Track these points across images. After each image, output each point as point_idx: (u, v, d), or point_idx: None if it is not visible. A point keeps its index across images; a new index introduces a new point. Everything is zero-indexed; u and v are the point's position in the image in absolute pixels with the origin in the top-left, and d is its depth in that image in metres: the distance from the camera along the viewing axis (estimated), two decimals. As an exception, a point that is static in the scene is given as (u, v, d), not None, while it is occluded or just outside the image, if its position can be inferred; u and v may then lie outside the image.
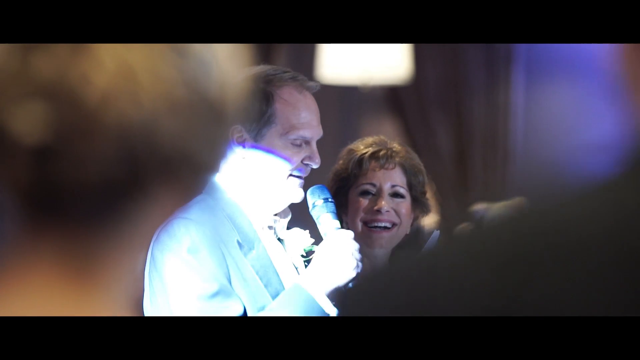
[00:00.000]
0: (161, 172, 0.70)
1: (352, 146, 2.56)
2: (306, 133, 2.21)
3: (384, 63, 4.69)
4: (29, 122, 0.67)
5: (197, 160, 0.72)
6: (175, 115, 0.69)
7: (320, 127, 2.25)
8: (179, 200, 0.73)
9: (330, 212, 2.27)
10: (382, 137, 2.58)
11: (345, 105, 5.15)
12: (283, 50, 4.91)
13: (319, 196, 2.28)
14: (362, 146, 2.54)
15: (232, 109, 0.73)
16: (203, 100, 0.71)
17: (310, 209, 2.29)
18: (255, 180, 2.19)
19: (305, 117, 2.21)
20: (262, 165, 2.19)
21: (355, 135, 3.49)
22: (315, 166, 2.23)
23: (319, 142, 2.26)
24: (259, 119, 2.17)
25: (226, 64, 0.73)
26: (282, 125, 2.19)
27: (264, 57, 3.65)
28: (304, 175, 2.23)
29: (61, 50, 0.67)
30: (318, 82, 2.31)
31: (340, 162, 2.54)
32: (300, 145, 2.20)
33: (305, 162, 2.21)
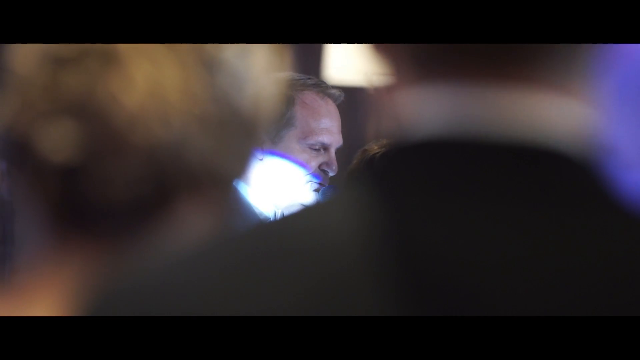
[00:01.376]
0: (190, 190, 0.69)
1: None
2: (325, 139, 2.19)
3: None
4: (59, 137, 0.66)
5: (226, 177, 0.71)
6: (205, 132, 0.68)
7: (340, 135, 2.23)
8: (208, 217, 0.71)
9: None
10: None
11: (351, 106, 5.15)
12: (290, 51, 4.89)
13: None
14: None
15: (264, 123, 0.72)
16: (235, 116, 0.69)
17: None
18: (271, 182, 2.17)
19: (326, 123, 2.19)
20: (279, 168, 2.17)
21: (364, 137, 3.49)
22: (332, 173, 2.20)
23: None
24: (278, 122, 2.15)
25: (260, 78, 0.72)
26: (302, 129, 2.17)
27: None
28: (321, 182, 2.20)
29: (91, 66, 0.67)
30: (341, 91, 2.28)
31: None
32: (318, 150, 2.18)
33: (323, 167, 2.19)
